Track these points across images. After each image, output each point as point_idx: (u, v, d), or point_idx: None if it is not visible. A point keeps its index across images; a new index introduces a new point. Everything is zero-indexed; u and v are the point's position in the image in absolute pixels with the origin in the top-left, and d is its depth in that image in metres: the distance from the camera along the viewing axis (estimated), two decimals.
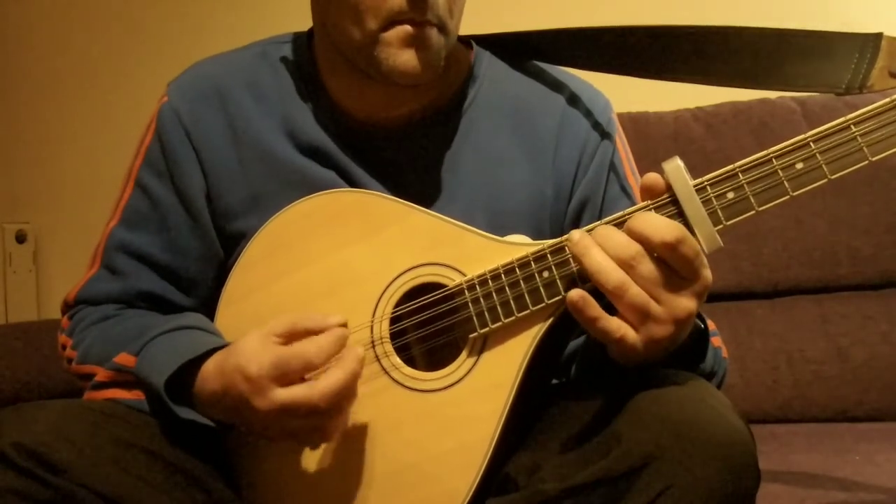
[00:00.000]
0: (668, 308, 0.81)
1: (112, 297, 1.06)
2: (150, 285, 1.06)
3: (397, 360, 0.94)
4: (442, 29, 0.96)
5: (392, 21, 0.94)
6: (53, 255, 2.14)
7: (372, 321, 0.95)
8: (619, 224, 0.85)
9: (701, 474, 0.77)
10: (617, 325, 0.82)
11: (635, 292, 0.81)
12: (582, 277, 0.86)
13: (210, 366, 0.90)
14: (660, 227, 0.80)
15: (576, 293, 0.82)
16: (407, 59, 0.95)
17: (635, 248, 0.81)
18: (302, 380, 0.86)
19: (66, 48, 2.12)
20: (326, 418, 0.86)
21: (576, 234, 0.84)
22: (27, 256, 2.11)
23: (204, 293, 1.06)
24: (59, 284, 2.08)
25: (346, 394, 0.86)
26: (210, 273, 1.06)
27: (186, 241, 1.05)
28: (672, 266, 0.81)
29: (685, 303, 0.82)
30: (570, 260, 0.87)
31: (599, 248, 0.82)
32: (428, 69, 0.96)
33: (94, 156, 2.08)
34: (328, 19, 0.99)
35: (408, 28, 0.94)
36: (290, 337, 0.88)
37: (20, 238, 2.10)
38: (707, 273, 0.82)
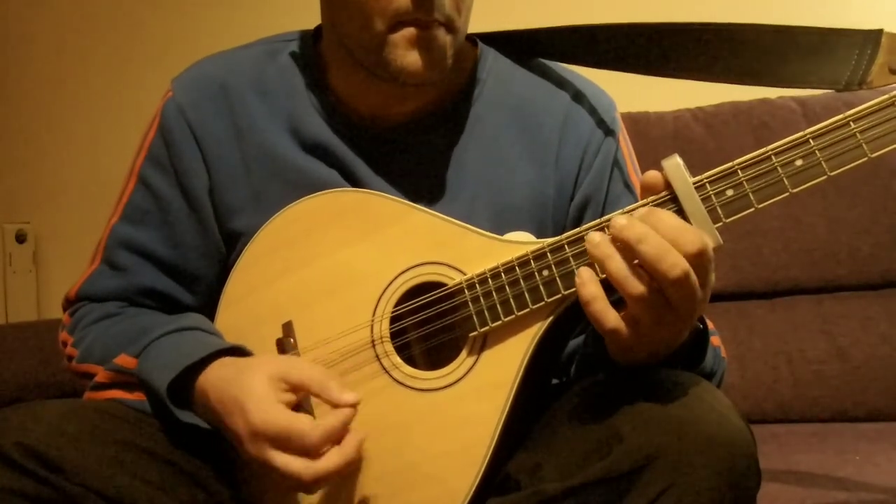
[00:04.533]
0: (677, 314, 0.81)
1: (114, 293, 1.06)
2: (152, 281, 1.06)
3: (397, 360, 0.94)
4: (449, 28, 0.96)
5: (398, 22, 0.94)
6: (53, 255, 2.14)
7: (372, 320, 0.95)
8: None
9: (702, 474, 0.77)
10: (614, 318, 0.81)
11: (657, 299, 0.80)
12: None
13: (210, 377, 0.90)
14: (687, 236, 0.79)
15: (585, 270, 0.82)
16: (414, 59, 0.95)
17: (685, 266, 0.78)
18: None
19: (67, 48, 2.12)
20: (309, 489, 0.87)
21: (596, 237, 0.82)
22: (27, 256, 2.11)
23: (206, 290, 1.06)
24: (59, 284, 2.08)
25: (336, 476, 0.86)
26: (212, 269, 1.06)
27: (188, 236, 1.05)
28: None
29: (698, 305, 0.81)
30: (571, 259, 0.87)
31: (619, 255, 0.80)
32: (435, 69, 0.96)
33: (94, 156, 2.08)
34: (336, 19, 0.99)
35: (414, 29, 0.94)
36: (299, 390, 0.88)
37: (20, 238, 2.10)
38: (713, 276, 0.82)
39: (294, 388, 0.88)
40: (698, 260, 0.79)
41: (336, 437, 0.86)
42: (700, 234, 0.80)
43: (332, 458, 0.85)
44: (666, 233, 0.79)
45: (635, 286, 0.79)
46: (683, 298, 0.79)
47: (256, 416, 0.85)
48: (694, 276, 0.79)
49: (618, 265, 0.80)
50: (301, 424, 0.85)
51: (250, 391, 0.86)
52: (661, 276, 0.78)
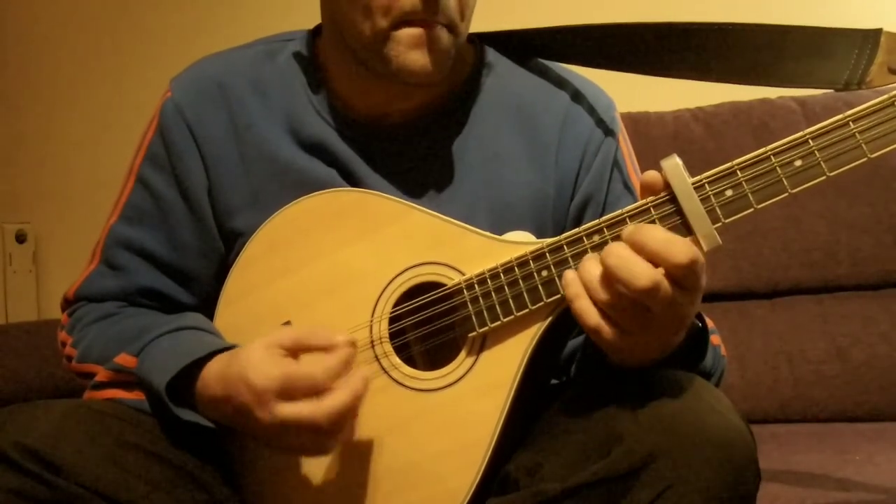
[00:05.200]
0: (661, 321, 0.81)
1: (112, 293, 1.06)
2: (151, 281, 1.06)
3: (396, 360, 0.94)
4: (452, 30, 0.96)
5: (403, 20, 0.94)
6: (53, 255, 2.14)
7: (371, 321, 0.95)
8: (619, 223, 0.85)
9: (701, 474, 0.77)
10: (595, 315, 0.81)
11: (632, 306, 0.80)
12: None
13: (212, 369, 0.90)
14: (676, 247, 0.78)
15: (571, 272, 0.83)
16: (415, 58, 0.95)
17: (652, 276, 0.78)
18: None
19: (67, 48, 2.13)
20: (327, 436, 0.86)
21: (569, 274, 0.84)
22: (27, 256, 2.11)
23: (205, 290, 1.06)
24: (59, 284, 2.07)
25: (349, 414, 0.86)
26: (211, 269, 1.06)
27: (187, 236, 1.05)
28: (681, 283, 0.79)
29: (687, 310, 0.82)
30: (570, 259, 0.87)
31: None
32: (436, 69, 0.96)
33: (94, 156, 2.08)
34: (338, 15, 0.99)
35: (418, 28, 0.94)
36: (296, 351, 0.88)
37: (20, 238, 2.10)
38: (705, 279, 0.82)
39: (289, 349, 0.88)
40: (688, 270, 0.79)
41: (339, 373, 0.86)
42: (689, 245, 0.79)
43: (341, 393, 0.85)
44: (654, 246, 0.79)
45: (598, 294, 0.80)
46: (663, 306, 0.79)
47: (259, 378, 0.85)
48: (667, 285, 0.78)
49: (587, 274, 0.81)
50: (303, 366, 0.86)
51: (249, 361, 0.86)
52: (628, 286, 0.78)
